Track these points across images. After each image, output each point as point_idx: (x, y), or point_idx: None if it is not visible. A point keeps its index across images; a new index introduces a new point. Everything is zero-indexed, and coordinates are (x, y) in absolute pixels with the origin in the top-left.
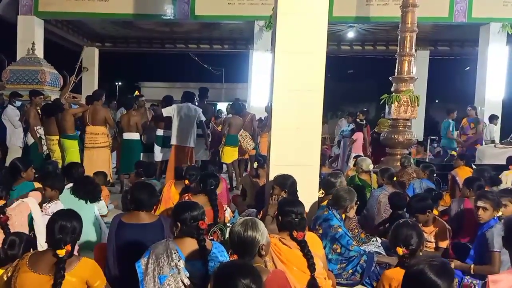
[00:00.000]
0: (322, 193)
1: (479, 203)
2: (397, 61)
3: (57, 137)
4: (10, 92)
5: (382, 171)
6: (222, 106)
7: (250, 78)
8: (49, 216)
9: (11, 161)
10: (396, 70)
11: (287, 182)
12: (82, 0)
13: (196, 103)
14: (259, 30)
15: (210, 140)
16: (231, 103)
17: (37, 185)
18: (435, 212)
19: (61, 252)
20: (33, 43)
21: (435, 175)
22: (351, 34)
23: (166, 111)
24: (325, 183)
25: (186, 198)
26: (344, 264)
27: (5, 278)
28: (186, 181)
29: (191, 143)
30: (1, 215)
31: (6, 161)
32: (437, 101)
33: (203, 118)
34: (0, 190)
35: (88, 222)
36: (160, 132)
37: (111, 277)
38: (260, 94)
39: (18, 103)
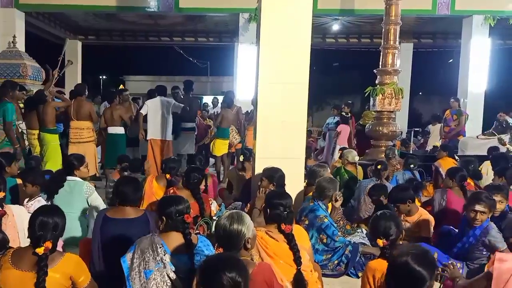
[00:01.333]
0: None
1: (477, 207)
2: (381, 53)
3: (37, 131)
4: None
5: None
6: (208, 99)
7: (235, 71)
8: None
9: None
10: (380, 63)
11: (275, 175)
12: None
13: (182, 96)
14: (244, 23)
15: (196, 133)
16: (216, 97)
17: (19, 181)
18: (417, 202)
19: (40, 250)
20: (14, 36)
21: (415, 166)
22: (336, 27)
23: (143, 110)
24: (310, 174)
25: (171, 192)
26: (330, 255)
27: None
28: (168, 175)
29: (167, 136)
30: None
31: None
32: (420, 93)
33: (178, 110)
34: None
35: (74, 217)
36: (145, 126)
37: (96, 272)
38: (246, 87)
39: None
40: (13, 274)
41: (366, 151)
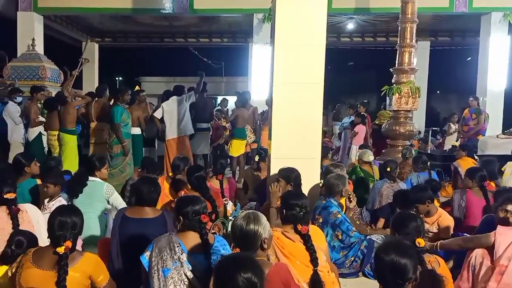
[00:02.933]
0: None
1: (510, 207)
2: (397, 52)
3: (57, 132)
4: (10, 88)
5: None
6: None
7: (250, 71)
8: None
9: (14, 157)
10: (396, 62)
11: (291, 175)
12: None
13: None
14: (258, 23)
15: (211, 134)
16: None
17: (39, 181)
18: (436, 203)
19: (60, 250)
20: (33, 39)
21: (427, 165)
22: (350, 26)
23: (157, 113)
24: (326, 174)
25: (182, 193)
26: (346, 251)
27: (9, 274)
28: (170, 173)
29: (185, 131)
30: (13, 206)
31: (9, 157)
32: (438, 92)
33: (193, 98)
34: (10, 185)
35: (94, 217)
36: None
37: (115, 271)
38: (261, 87)
39: (19, 99)
40: (35, 273)
41: (383, 150)
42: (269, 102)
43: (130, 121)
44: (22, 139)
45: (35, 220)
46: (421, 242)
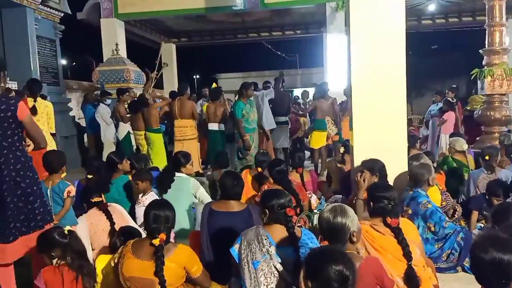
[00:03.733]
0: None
1: None
2: (486, 32)
3: (144, 132)
4: (101, 91)
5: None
6: (299, 92)
7: (325, 62)
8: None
9: (107, 155)
10: (486, 42)
11: (376, 166)
12: None
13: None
14: (331, 12)
15: (290, 127)
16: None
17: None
18: None
19: (156, 241)
20: (117, 44)
21: None
22: (432, 7)
23: None
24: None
25: (266, 187)
26: (441, 244)
27: (112, 264)
28: (259, 169)
29: (265, 126)
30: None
31: (103, 155)
32: None
33: (272, 95)
34: (95, 191)
35: (183, 211)
36: None
37: (206, 262)
38: (337, 77)
39: (109, 101)
40: (135, 263)
41: (477, 138)
42: (348, 92)
43: (253, 115)
44: (113, 138)
45: (125, 215)
46: None
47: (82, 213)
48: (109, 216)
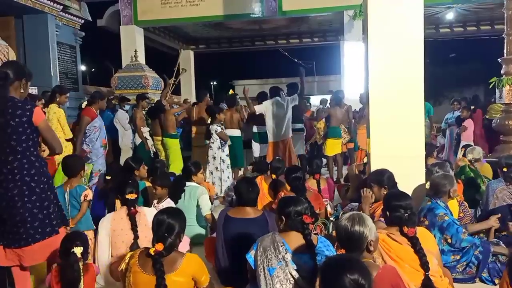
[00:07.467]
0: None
1: None
2: (505, 41)
3: (161, 137)
4: (120, 97)
5: None
6: (315, 99)
7: (342, 70)
8: None
9: (124, 161)
10: (505, 51)
11: (383, 178)
12: (175, 6)
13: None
14: (349, 20)
15: (305, 134)
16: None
17: (148, 184)
18: None
19: (151, 251)
20: (136, 51)
21: None
22: (450, 16)
23: (258, 109)
24: (428, 173)
25: (282, 194)
26: (458, 256)
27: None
28: (273, 176)
29: (286, 134)
30: (132, 208)
31: (120, 161)
32: None
33: (296, 101)
34: (132, 185)
35: (196, 218)
36: (255, 128)
37: (221, 268)
38: (354, 85)
39: (127, 107)
40: (141, 277)
41: (495, 147)
42: (365, 100)
43: None
44: (131, 143)
45: (150, 223)
46: None
47: (101, 217)
48: (134, 227)
